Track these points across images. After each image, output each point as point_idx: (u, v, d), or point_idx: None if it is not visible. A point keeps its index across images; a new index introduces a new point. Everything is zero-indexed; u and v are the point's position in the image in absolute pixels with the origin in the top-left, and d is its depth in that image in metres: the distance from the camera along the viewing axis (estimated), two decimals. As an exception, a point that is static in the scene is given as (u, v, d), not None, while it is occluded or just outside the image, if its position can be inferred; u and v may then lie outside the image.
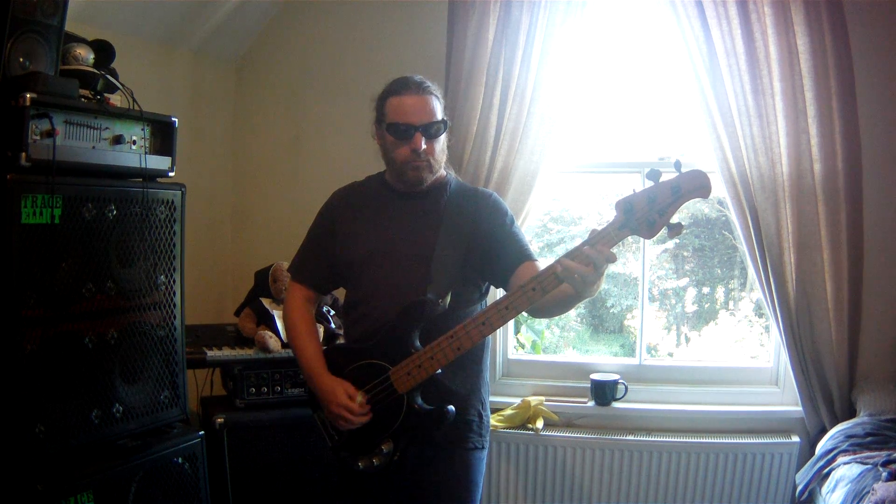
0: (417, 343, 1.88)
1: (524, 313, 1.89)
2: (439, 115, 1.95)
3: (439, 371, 1.86)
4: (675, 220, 1.65)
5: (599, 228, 1.67)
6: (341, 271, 2.08)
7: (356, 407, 1.90)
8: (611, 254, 1.65)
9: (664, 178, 1.64)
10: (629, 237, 1.69)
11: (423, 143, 1.91)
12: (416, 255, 1.94)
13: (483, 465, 2.05)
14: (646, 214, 1.63)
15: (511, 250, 1.99)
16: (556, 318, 3.70)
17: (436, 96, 1.97)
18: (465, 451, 2.00)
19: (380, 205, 2.05)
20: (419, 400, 1.89)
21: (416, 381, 1.86)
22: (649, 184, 1.65)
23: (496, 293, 2.62)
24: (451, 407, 1.88)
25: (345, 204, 2.11)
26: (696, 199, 1.68)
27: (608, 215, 3.62)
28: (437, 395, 1.89)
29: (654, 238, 1.70)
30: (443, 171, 2.05)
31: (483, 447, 2.04)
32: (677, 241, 3.55)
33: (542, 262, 1.92)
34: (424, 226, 1.98)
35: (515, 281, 1.92)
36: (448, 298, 1.90)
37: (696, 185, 1.63)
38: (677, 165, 1.64)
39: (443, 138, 1.98)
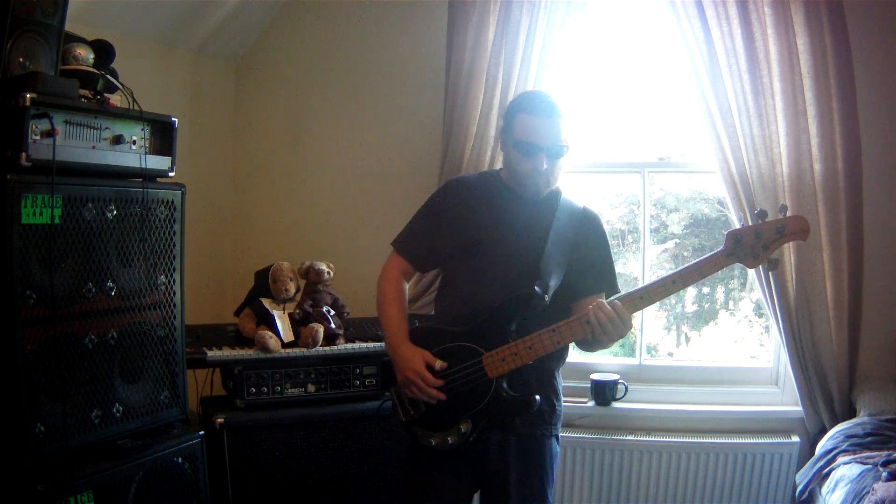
0: (515, 332, 1.94)
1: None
2: (564, 137, 2.03)
3: (531, 362, 1.92)
4: (774, 256, 1.87)
5: (708, 254, 1.87)
6: (445, 254, 2.14)
7: (431, 377, 1.96)
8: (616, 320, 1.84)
9: (769, 218, 1.87)
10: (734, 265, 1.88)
11: (545, 163, 2.00)
12: (527, 250, 2.02)
13: (557, 453, 2.12)
14: (752, 247, 1.84)
15: (598, 279, 2.08)
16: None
17: (563, 118, 2.03)
18: (543, 437, 2.06)
19: (494, 197, 2.12)
20: (506, 385, 1.94)
21: (510, 367, 1.92)
22: (751, 221, 1.87)
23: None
24: (538, 396, 1.94)
25: (458, 191, 2.18)
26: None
27: (613, 216, 3.65)
28: (522, 384, 1.97)
29: (756, 267, 1.89)
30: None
31: (553, 435, 2.10)
32: (677, 240, 3.55)
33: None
34: (537, 225, 2.06)
35: (578, 308, 2.00)
36: (550, 296, 1.97)
37: (798, 229, 1.85)
38: (783, 209, 1.86)
39: (564, 158, 2.10)
